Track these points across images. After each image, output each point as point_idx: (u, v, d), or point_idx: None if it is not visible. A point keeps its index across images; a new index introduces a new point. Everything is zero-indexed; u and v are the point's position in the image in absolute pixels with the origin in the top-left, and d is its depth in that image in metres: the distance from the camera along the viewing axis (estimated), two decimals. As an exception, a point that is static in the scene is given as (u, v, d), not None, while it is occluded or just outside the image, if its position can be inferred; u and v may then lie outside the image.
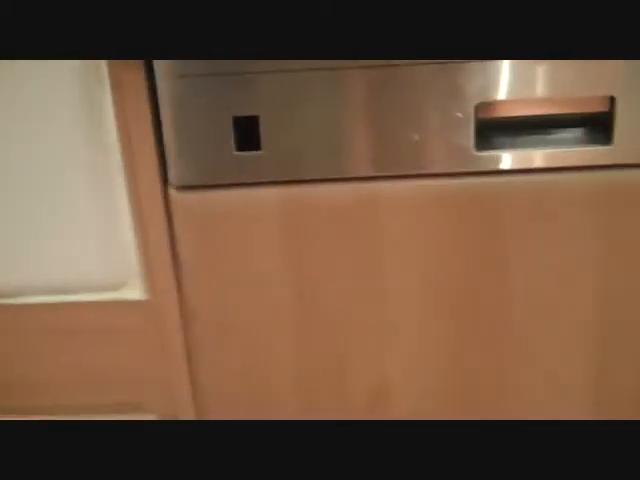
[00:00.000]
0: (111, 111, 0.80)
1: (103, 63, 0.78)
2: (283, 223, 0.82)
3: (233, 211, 0.82)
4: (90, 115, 0.80)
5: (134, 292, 0.88)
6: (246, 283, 0.85)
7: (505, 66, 0.76)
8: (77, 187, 0.83)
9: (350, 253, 0.83)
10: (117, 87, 0.79)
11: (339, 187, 0.81)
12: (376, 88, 0.77)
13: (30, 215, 0.84)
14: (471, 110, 0.77)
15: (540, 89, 0.77)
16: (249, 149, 0.79)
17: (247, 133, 0.79)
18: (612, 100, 0.77)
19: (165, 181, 0.82)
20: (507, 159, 0.80)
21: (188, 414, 0.93)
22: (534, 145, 0.80)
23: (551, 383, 0.88)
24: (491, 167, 0.80)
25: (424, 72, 0.76)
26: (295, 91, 0.77)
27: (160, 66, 0.77)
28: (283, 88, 0.77)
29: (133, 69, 0.77)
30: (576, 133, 0.80)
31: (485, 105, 0.78)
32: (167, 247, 0.85)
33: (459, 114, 0.78)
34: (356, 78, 0.77)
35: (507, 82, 0.77)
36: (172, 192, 0.82)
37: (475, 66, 0.76)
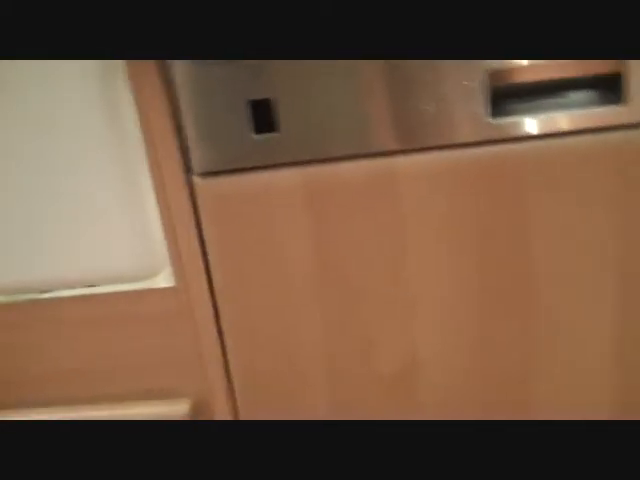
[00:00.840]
0: (131, 104, 0.81)
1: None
2: (305, 202, 0.83)
3: (256, 194, 0.83)
4: (110, 109, 0.82)
5: (164, 280, 0.89)
6: (272, 264, 0.86)
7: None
8: (104, 181, 0.85)
9: (373, 228, 0.84)
10: (134, 78, 0.80)
11: (358, 163, 0.82)
12: (390, 62, 0.78)
13: (61, 212, 0.86)
14: (484, 78, 0.78)
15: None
16: (267, 131, 0.80)
17: (264, 116, 0.80)
18: (621, 61, 0.77)
19: (188, 169, 0.83)
20: (522, 125, 0.80)
21: (221, 398, 0.94)
22: (548, 109, 0.80)
23: (577, 351, 0.88)
24: (507, 134, 0.80)
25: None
26: (309, 71, 0.78)
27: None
28: (296, 69, 0.78)
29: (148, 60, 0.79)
30: (589, 95, 0.80)
31: (498, 72, 0.78)
32: (194, 234, 0.86)
33: (472, 83, 0.78)
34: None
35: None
36: (195, 179, 0.83)
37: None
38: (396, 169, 0.82)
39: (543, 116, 0.80)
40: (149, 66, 0.80)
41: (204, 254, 0.87)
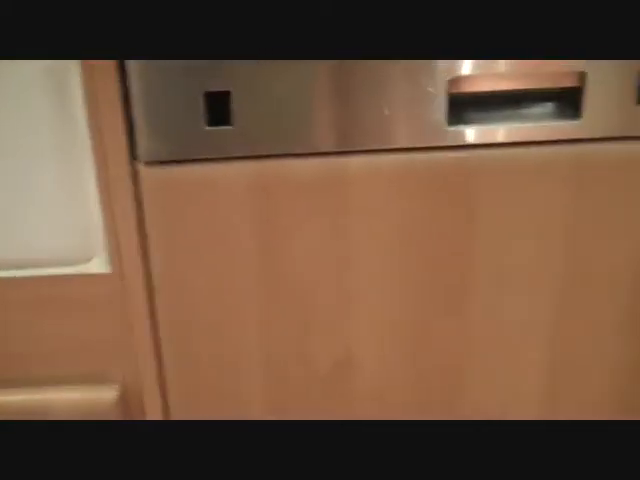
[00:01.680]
0: (79, 88, 0.78)
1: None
2: (252, 197, 0.82)
3: (202, 185, 0.81)
4: (57, 92, 0.79)
5: (100, 265, 0.87)
6: (213, 257, 0.85)
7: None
8: (43, 163, 0.82)
9: (318, 227, 0.83)
10: (85, 65, 0.77)
11: (309, 162, 0.80)
12: (348, 63, 0.76)
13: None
14: (443, 85, 0.77)
15: (512, 64, 0.77)
16: (220, 124, 0.78)
17: (219, 108, 0.78)
18: (582, 75, 0.77)
19: (134, 157, 0.81)
20: (478, 134, 0.80)
21: (152, 385, 0.92)
22: (505, 120, 0.80)
23: (511, 353, 0.90)
24: (462, 141, 0.80)
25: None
26: (266, 66, 0.76)
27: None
28: (254, 63, 0.76)
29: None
30: (547, 108, 0.80)
31: (457, 80, 0.78)
32: (134, 221, 0.84)
33: (431, 89, 0.77)
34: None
35: (479, 57, 0.77)
36: (140, 167, 0.81)
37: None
38: (347, 169, 0.81)
39: (500, 126, 0.80)
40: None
41: (143, 243, 0.85)
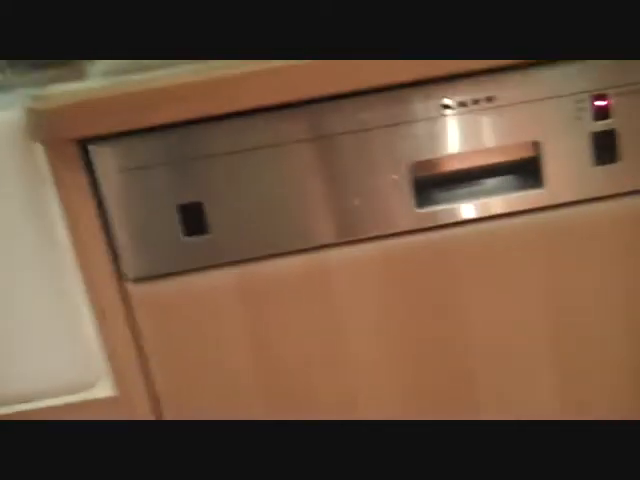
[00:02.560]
0: (58, 213, 0.81)
1: (44, 164, 0.80)
2: (239, 301, 0.84)
3: (190, 296, 0.83)
4: (38, 218, 0.82)
5: (104, 390, 0.88)
6: (211, 364, 0.86)
7: (434, 124, 0.80)
8: (36, 294, 0.84)
9: (308, 321, 0.85)
10: (61, 188, 0.81)
11: (289, 260, 0.83)
12: (314, 161, 0.80)
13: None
14: (408, 170, 0.80)
15: (470, 142, 0.81)
16: (197, 234, 0.81)
17: (194, 217, 0.81)
18: (537, 145, 0.80)
19: (120, 275, 0.84)
20: (446, 213, 0.82)
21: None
22: (471, 197, 0.83)
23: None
24: (432, 222, 0.82)
25: (357, 140, 0.80)
26: (235, 173, 0.80)
27: (99, 163, 0.79)
28: (222, 171, 0.80)
29: (74, 168, 0.80)
30: (509, 180, 0.83)
31: (420, 164, 0.81)
32: (131, 341, 0.85)
33: (396, 175, 0.81)
34: (293, 153, 0.80)
35: (438, 138, 0.80)
36: (129, 286, 0.83)
37: (404, 129, 0.80)
38: (328, 262, 0.83)
39: (467, 203, 0.82)
40: (74, 174, 0.80)
41: (142, 360, 0.86)
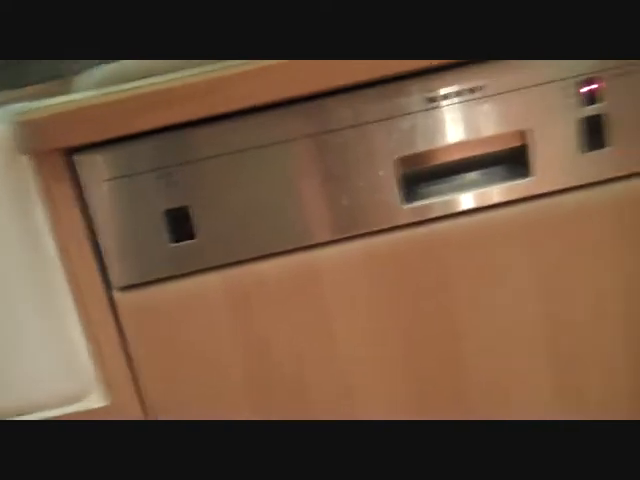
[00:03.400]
0: (45, 223, 0.81)
1: (30, 177, 0.79)
2: (229, 305, 0.83)
3: (179, 302, 0.82)
4: (25, 229, 0.81)
5: (97, 400, 0.87)
6: (202, 369, 0.85)
7: (419, 118, 0.79)
8: (23, 305, 0.83)
9: (298, 321, 0.84)
10: (48, 198, 0.80)
11: (277, 261, 0.82)
12: (300, 162, 0.79)
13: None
14: (393, 165, 0.80)
15: (456, 134, 0.80)
16: (184, 239, 0.80)
17: (180, 223, 0.80)
18: (525, 133, 0.80)
19: (108, 285, 0.83)
20: (434, 207, 0.82)
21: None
22: (458, 189, 0.82)
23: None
24: (420, 217, 0.82)
25: (343, 138, 0.79)
26: (220, 176, 0.79)
27: (85, 173, 0.78)
28: (208, 175, 0.79)
29: (60, 178, 0.79)
30: (497, 170, 0.82)
31: (406, 159, 0.80)
32: (120, 349, 0.85)
33: (383, 172, 0.80)
34: (278, 154, 0.79)
35: (423, 132, 0.79)
36: (116, 294, 0.82)
37: (390, 125, 0.79)
38: (316, 261, 0.82)
39: (453, 196, 0.82)
40: (61, 185, 0.79)
41: (132, 368, 0.85)
